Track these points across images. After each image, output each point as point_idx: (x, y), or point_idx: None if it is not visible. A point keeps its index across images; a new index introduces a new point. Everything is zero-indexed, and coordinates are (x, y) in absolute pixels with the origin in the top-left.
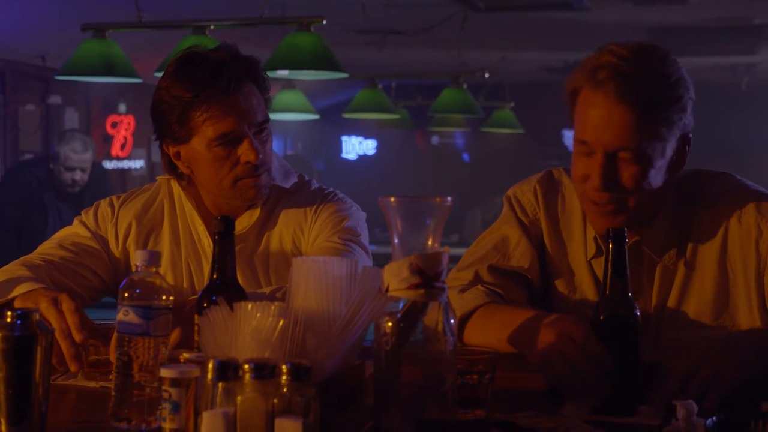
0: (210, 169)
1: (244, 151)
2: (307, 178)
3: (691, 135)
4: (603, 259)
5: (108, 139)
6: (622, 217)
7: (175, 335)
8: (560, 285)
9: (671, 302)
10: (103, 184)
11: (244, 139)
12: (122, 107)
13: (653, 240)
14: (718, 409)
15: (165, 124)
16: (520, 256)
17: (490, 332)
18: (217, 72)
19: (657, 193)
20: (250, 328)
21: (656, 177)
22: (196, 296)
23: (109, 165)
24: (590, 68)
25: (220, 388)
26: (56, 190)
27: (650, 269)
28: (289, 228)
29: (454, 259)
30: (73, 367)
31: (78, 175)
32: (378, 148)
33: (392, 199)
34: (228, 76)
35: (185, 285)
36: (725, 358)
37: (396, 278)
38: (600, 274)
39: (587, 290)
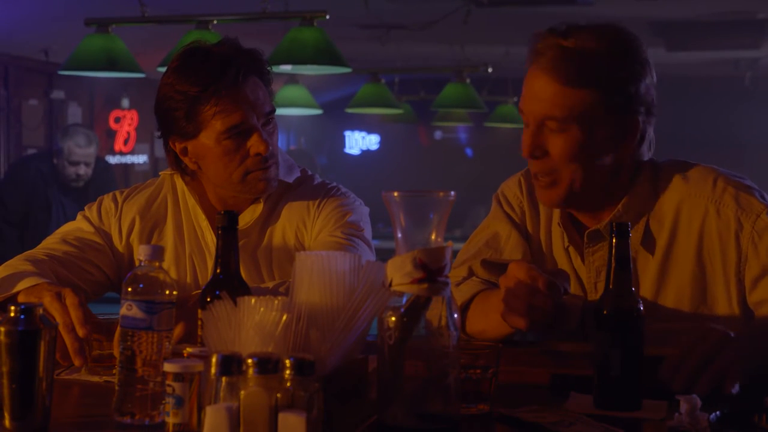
0: (219, 163)
1: (254, 143)
2: (310, 173)
3: (642, 119)
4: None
5: (111, 134)
6: (560, 192)
7: (178, 330)
8: None
9: (648, 293)
10: (107, 179)
11: (254, 131)
12: (125, 102)
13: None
14: (721, 402)
15: (171, 120)
16: (512, 249)
17: (489, 317)
18: (224, 65)
19: (604, 172)
20: (253, 323)
21: (593, 153)
22: (199, 291)
23: (112, 160)
24: (534, 46)
25: (223, 383)
26: (60, 184)
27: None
28: (293, 223)
29: (457, 254)
30: (76, 362)
31: (82, 170)
32: (381, 142)
33: (395, 194)
34: (235, 69)
35: (189, 280)
36: (741, 348)
37: (399, 273)
38: (575, 260)
39: None
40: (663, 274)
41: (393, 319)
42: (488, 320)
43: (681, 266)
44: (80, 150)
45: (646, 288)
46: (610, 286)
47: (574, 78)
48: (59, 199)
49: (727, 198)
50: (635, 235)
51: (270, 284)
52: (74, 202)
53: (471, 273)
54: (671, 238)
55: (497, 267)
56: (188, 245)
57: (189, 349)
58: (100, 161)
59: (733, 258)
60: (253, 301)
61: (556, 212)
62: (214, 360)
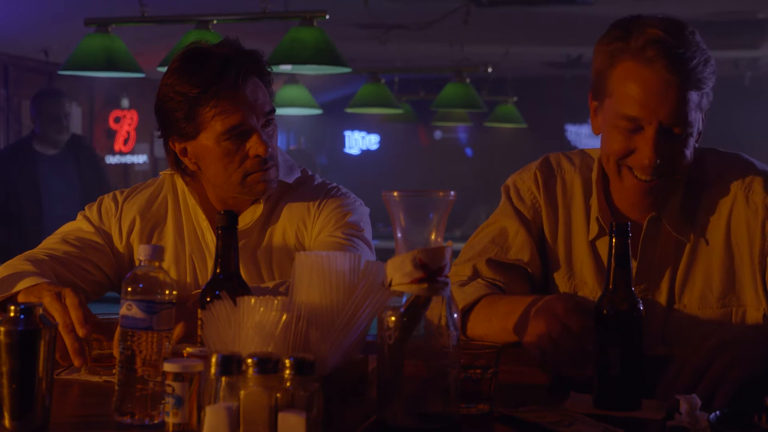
0: (219, 164)
1: (253, 145)
2: (310, 173)
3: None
4: (606, 239)
5: (111, 134)
6: (662, 196)
7: (178, 330)
8: (560, 270)
9: (679, 280)
10: (106, 179)
11: (253, 132)
12: (125, 102)
13: (671, 216)
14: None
15: (171, 120)
16: (519, 248)
17: (493, 322)
18: (224, 67)
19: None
20: (253, 323)
21: (692, 152)
22: (199, 291)
23: (112, 160)
24: (637, 44)
25: (223, 383)
26: (47, 144)
27: (666, 246)
28: (293, 223)
29: (457, 254)
30: (76, 362)
31: (63, 122)
32: (381, 142)
33: (395, 194)
34: (235, 70)
35: (189, 280)
36: (736, 354)
37: (399, 272)
38: (602, 253)
39: (587, 273)
40: (693, 261)
41: (393, 318)
42: (491, 326)
43: (711, 253)
44: (53, 103)
45: (679, 274)
46: (610, 286)
47: (694, 80)
48: (48, 178)
49: (756, 185)
50: (689, 228)
51: (270, 284)
52: (58, 176)
53: (475, 272)
54: (703, 225)
55: (503, 267)
56: (188, 245)
57: (189, 349)
58: (98, 160)
59: (759, 245)
60: (253, 301)
61: (594, 206)
62: (213, 360)
